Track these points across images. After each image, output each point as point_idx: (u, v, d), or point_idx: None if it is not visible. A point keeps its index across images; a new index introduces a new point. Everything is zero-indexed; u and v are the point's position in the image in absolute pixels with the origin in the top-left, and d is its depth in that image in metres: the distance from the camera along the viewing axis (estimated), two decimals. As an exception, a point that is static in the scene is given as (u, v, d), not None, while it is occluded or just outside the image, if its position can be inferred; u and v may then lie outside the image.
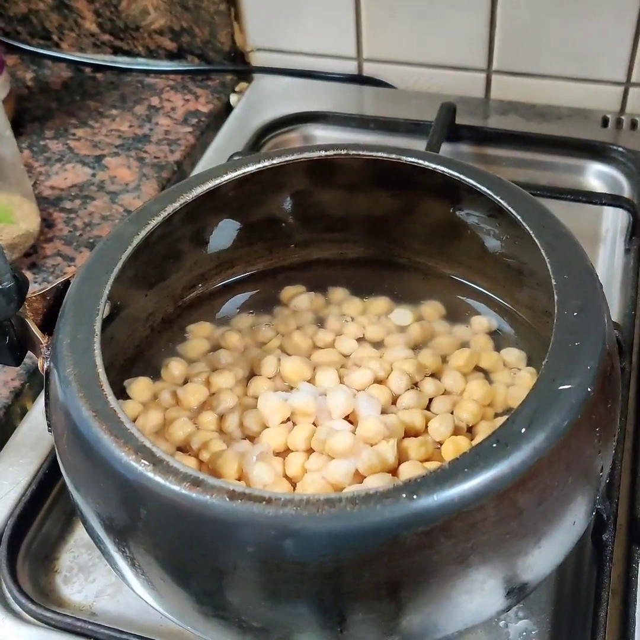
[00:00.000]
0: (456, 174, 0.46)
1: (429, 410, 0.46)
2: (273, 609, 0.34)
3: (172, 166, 0.73)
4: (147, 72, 0.84)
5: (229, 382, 0.47)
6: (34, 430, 0.53)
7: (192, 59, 0.85)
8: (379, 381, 0.47)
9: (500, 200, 0.44)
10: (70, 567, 0.47)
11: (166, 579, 0.35)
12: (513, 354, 0.49)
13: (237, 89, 0.83)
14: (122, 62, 0.86)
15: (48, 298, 0.42)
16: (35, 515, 0.49)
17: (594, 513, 0.41)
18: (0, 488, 0.50)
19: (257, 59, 0.84)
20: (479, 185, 0.45)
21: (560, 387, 0.35)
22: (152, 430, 0.45)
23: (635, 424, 0.51)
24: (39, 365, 0.41)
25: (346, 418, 0.45)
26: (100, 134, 0.77)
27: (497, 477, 0.33)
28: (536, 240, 0.41)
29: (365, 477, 0.41)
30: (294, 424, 0.45)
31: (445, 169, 0.46)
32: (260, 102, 0.80)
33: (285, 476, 0.43)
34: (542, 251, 0.41)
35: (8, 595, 0.45)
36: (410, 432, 0.44)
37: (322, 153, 0.48)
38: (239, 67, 0.84)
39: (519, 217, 0.43)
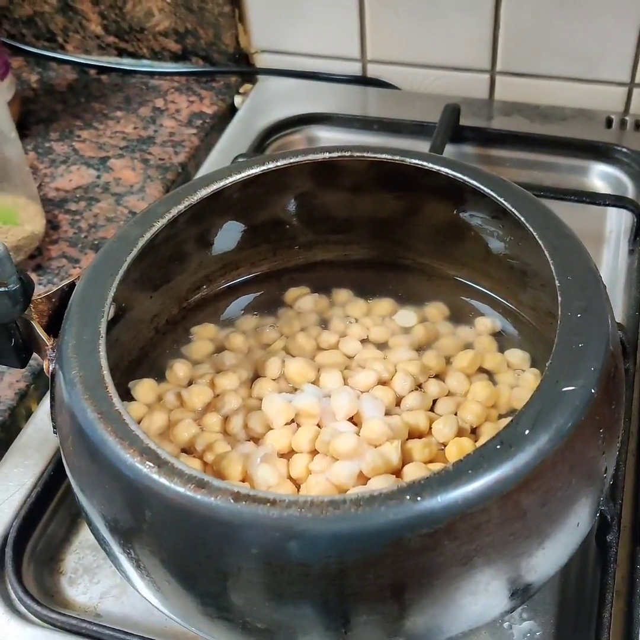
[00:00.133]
0: (460, 175, 0.46)
1: (433, 412, 0.46)
2: (277, 611, 0.34)
3: (177, 168, 0.73)
4: (152, 74, 0.84)
5: (233, 384, 0.47)
6: (39, 431, 0.53)
7: (196, 61, 0.85)
8: (383, 382, 0.47)
9: (503, 201, 0.44)
10: (75, 569, 0.47)
11: (171, 580, 0.36)
12: (517, 355, 0.49)
13: (241, 90, 0.84)
14: (126, 64, 0.86)
15: (53, 300, 0.43)
16: (41, 517, 0.49)
17: (598, 514, 0.41)
18: (5, 489, 0.50)
19: (261, 61, 0.84)
20: (482, 187, 0.45)
21: (564, 389, 0.35)
22: (156, 432, 0.45)
23: (639, 425, 0.51)
24: (44, 367, 0.41)
25: (350, 419, 0.45)
26: (105, 135, 0.77)
27: (501, 478, 0.33)
28: (540, 242, 0.41)
29: (369, 479, 0.41)
30: (298, 426, 0.45)
31: (449, 171, 0.46)
32: (265, 103, 0.80)
33: (290, 478, 0.43)
34: (546, 253, 0.41)
35: (13, 596, 0.45)
36: (414, 434, 0.44)
37: (326, 155, 0.48)
38: (244, 69, 0.84)
39: (522, 219, 0.43)
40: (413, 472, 0.41)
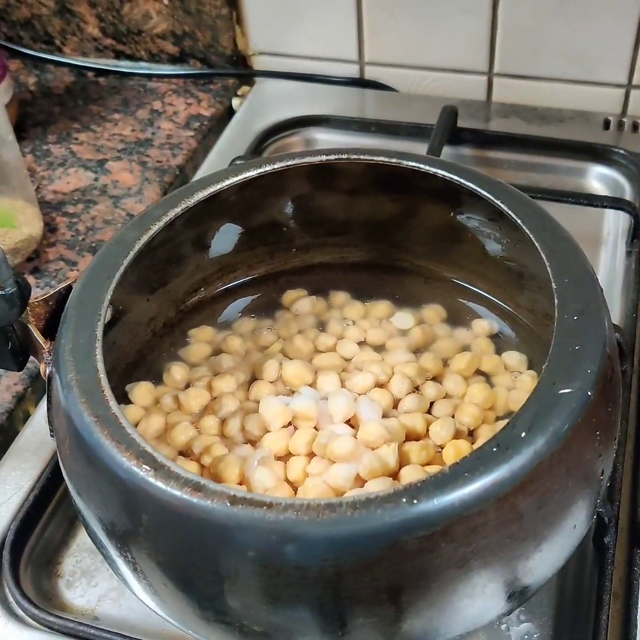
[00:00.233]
0: (456, 178, 0.46)
1: (430, 414, 0.46)
2: (274, 614, 0.34)
3: (175, 170, 0.73)
4: (150, 76, 0.84)
5: (230, 387, 0.48)
6: (36, 435, 0.53)
7: (194, 63, 0.85)
8: (380, 385, 0.47)
9: (500, 204, 0.44)
10: (72, 572, 0.47)
11: (168, 583, 0.36)
12: (514, 357, 0.49)
13: (239, 92, 0.84)
14: (124, 66, 0.86)
15: (50, 303, 0.43)
16: (38, 520, 0.49)
17: (595, 516, 0.41)
18: (3, 493, 0.50)
19: (259, 63, 0.84)
20: (479, 189, 0.45)
21: (561, 391, 0.35)
22: (154, 435, 0.45)
23: (637, 427, 0.51)
24: (41, 370, 0.41)
25: (347, 422, 0.45)
26: (103, 138, 0.77)
27: (498, 481, 0.33)
28: (536, 244, 0.41)
29: (366, 481, 0.41)
30: (296, 428, 0.45)
31: (446, 173, 0.46)
32: (262, 105, 0.81)
33: (287, 480, 0.43)
34: (543, 255, 0.41)
35: (11, 599, 0.45)
36: (411, 436, 0.44)
37: (323, 157, 0.49)
38: (241, 71, 0.84)
39: (519, 221, 0.43)
40: (410, 475, 0.41)
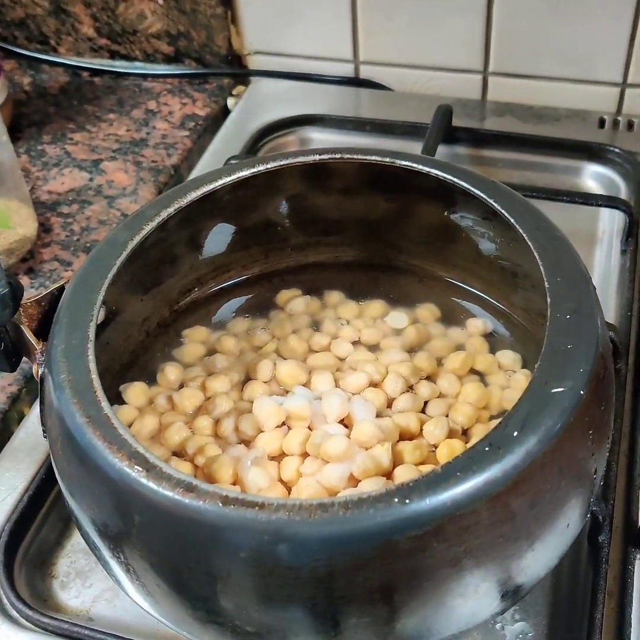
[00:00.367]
0: (450, 177, 0.46)
1: (424, 413, 0.46)
2: (267, 614, 0.34)
3: (170, 170, 0.73)
4: (145, 76, 0.84)
5: (224, 387, 0.47)
6: (31, 435, 0.53)
7: (189, 63, 0.85)
8: (374, 384, 0.47)
9: (493, 203, 0.44)
10: (67, 572, 0.47)
11: (161, 584, 0.36)
12: (508, 357, 0.49)
13: (234, 92, 0.84)
14: (119, 66, 0.86)
15: (43, 304, 0.43)
16: (33, 521, 0.49)
17: (589, 515, 0.41)
18: (-3, 493, 0.50)
19: (254, 62, 0.84)
20: (472, 189, 0.45)
21: (553, 390, 0.35)
22: (147, 435, 0.45)
23: (631, 425, 0.51)
24: (33, 371, 0.41)
25: (341, 422, 0.45)
26: (98, 138, 0.77)
27: (490, 480, 0.33)
28: (529, 243, 0.41)
29: (360, 481, 0.41)
30: (289, 428, 0.45)
31: (439, 173, 0.46)
32: (258, 105, 0.80)
33: (280, 480, 0.43)
34: (536, 254, 0.41)
35: (5, 600, 0.45)
36: (405, 436, 0.44)
37: (317, 157, 0.49)
38: (236, 71, 0.84)
39: (512, 220, 0.43)
40: (404, 474, 0.41)
